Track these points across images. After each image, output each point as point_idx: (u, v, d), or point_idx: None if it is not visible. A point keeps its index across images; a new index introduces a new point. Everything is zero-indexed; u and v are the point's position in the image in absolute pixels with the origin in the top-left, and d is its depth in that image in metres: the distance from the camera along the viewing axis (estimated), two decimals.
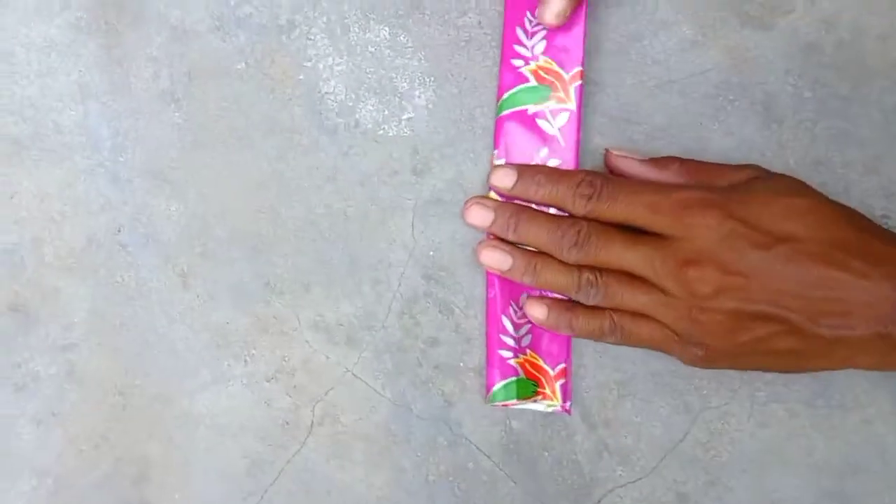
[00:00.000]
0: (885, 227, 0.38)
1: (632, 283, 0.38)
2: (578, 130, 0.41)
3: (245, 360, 0.43)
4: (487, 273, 0.42)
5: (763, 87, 0.42)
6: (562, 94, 0.41)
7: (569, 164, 0.41)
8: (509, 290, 0.42)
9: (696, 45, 0.42)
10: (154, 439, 0.43)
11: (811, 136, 0.42)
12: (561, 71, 0.41)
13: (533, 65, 0.41)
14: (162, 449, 0.43)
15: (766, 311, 0.36)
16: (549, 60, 0.41)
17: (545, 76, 0.41)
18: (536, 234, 0.40)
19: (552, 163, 0.41)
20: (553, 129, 0.41)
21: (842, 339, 0.36)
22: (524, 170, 0.40)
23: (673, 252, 0.37)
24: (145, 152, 0.42)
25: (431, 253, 0.43)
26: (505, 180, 0.40)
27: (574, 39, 0.41)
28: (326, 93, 0.42)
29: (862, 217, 0.38)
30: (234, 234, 0.43)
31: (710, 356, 0.37)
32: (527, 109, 0.41)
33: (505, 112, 0.41)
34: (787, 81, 0.42)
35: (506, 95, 0.41)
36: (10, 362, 0.43)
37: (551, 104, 0.41)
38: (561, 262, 0.40)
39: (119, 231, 0.43)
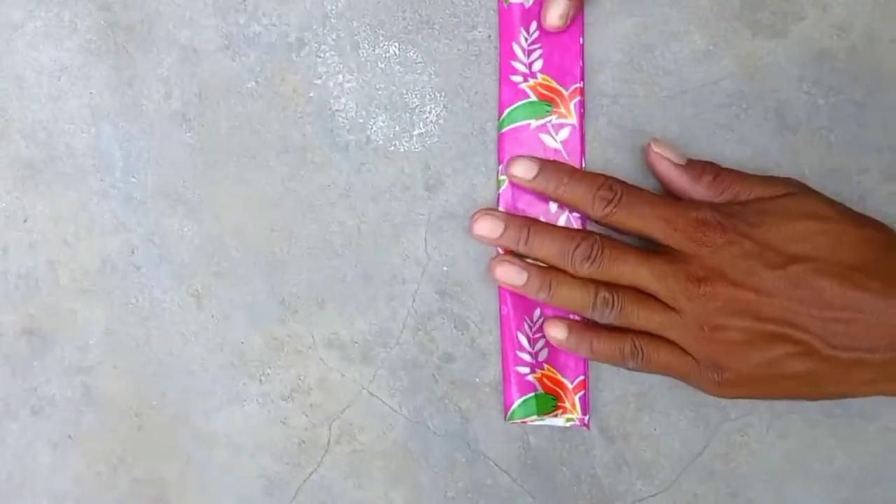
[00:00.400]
0: None
1: (647, 302, 0.38)
2: (581, 144, 0.41)
3: (260, 380, 0.43)
4: (500, 290, 0.42)
5: (776, 96, 0.41)
6: (563, 110, 0.41)
7: None
8: (523, 306, 0.42)
9: (708, 54, 0.41)
10: (171, 460, 0.43)
11: (826, 143, 0.41)
12: (560, 88, 0.41)
13: (532, 81, 0.41)
14: (179, 470, 0.43)
15: (779, 332, 0.36)
16: (548, 78, 0.41)
17: (545, 92, 0.41)
18: (549, 246, 0.39)
19: None
20: (556, 143, 0.41)
21: (860, 362, 0.35)
22: (547, 164, 0.40)
23: (685, 269, 0.37)
24: (158, 173, 0.42)
25: (445, 268, 0.42)
26: (527, 172, 0.39)
27: (571, 56, 0.41)
28: (337, 110, 0.42)
29: (885, 236, 0.37)
30: (248, 253, 0.42)
31: (728, 380, 0.37)
32: (529, 125, 0.41)
33: (507, 128, 0.41)
34: (800, 89, 0.41)
35: (507, 112, 0.41)
36: (26, 386, 0.43)
37: (553, 119, 0.41)
38: (576, 279, 0.39)
39: (133, 252, 0.43)
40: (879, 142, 0.41)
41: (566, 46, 0.41)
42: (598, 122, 0.42)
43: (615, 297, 0.38)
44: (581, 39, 0.41)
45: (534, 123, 0.41)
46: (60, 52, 0.42)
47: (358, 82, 0.42)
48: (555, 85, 0.41)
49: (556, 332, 0.40)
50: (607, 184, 0.39)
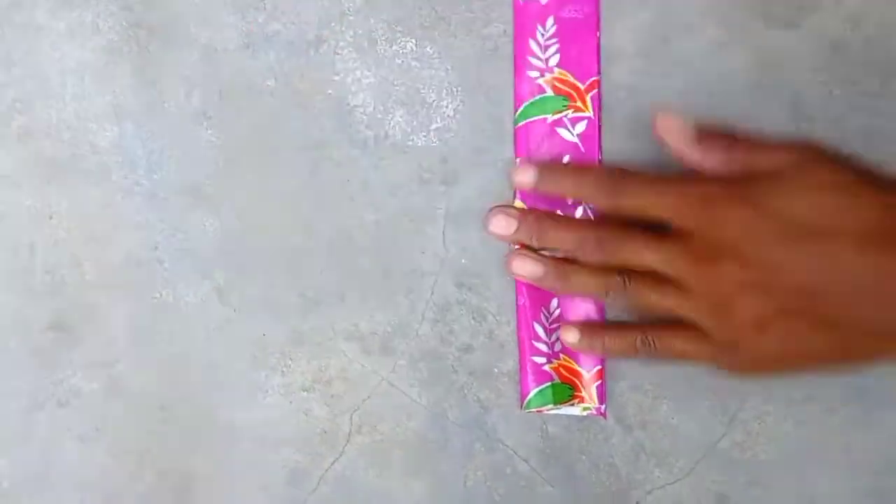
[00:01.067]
0: None
1: (661, 285, 0.38)
2: (599, 137, 0.41)
3: (282, 372, 0.43)
4: (517, 281, 0.42)
5: (792, 87, 0.42)
6: (579, 104, 0.41)
7: None
8: (540, 297, 0.42)
9: (722, 46, 0.42)
10: (195, 452, 0.44)
11: (841, 133, 0.42)
12: (577, 82, 0.41)
13: (548, 76, 0.41)
14: (203, 461, 0.44)
15: (795, 306, 0.35)
16: (565, 72, 0.41)
17: (561, 87, 0.41)
18: (561, 238, 0.40)
19: None
20: (573, 137, 0.41)
21: (883, 331, 0.35)
22: (546, 165, 0.41)
23: (695, 248, 0.36)
24: (180, 170, 0.43)
25: (463, 261, 0.43)
26: (528, 177, 0.40)
27: (588, 50, 0.41)
28: (355, 106, 0.43)
29: None
30: (269, 247, 0.43)
31: (747, 359, 0.37)
32: (545, 119, 0.41)
33: (523, 122, 0.42)
34: (815, 80, 0.42)
35: (523, 106, 0.42)
36: (52, 379, 0.44)
37: (569, 113, 0.41)
38: (590, 267, 0.40)
39: (156, 248, 0.43)
40: (895, 131, 0.41)
41: (583, 40, 0.41)
42: (613, 115, 0.42)
43: (627, 282, 0.38)
44: (598, 33, 0.41)
45: (550, 118, 0.41)
46: (84, 53, 0.43)
47: (375, 78, 0.42)
48: (571, 79, 0.41)
49: (570, 336, 0.41)
50: (609, 169, 0.39)
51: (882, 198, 0.35)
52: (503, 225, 0.41)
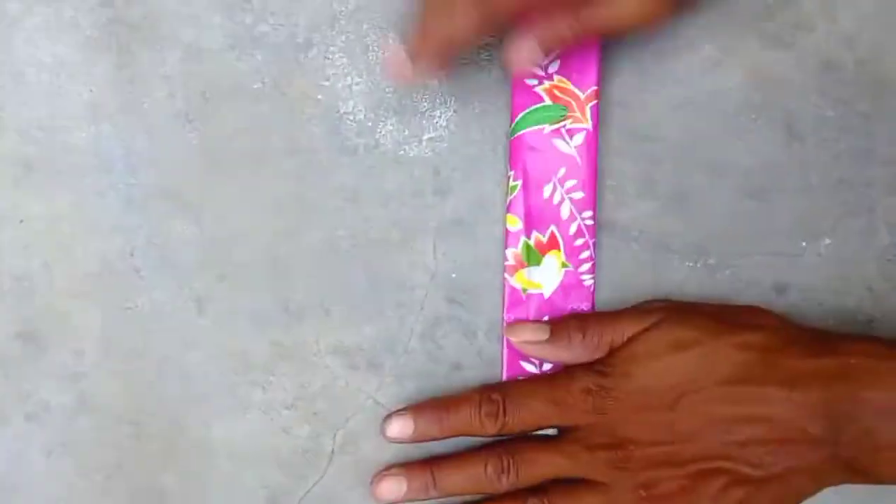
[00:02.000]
0: None
1: (575, 492, 0.37)
2: (596, 149, 0.41)
3: (263, 388, 0.42)
4: (504, 297, 0.41)
5: (784, 106, 0.42)
6: (578, 114, 0.41)
7: (587, 184, 0.41)
8: (528, 314, 0.41)
9: (717, 64, 0.41)
10: (169, 470, 0.42)
11: (833, 154, 0.42)
12: (576, 90, 0.41)
13: (547, 84, 0.41)
14: (177, 479, 0.42)
15: (706, 468, 0.35)
16: (564, 80, 0.41)
17: (560, 95, 0.41)
18: (458, 477, 0.38)
19: (569, 184, 0.41)
20: (570, 149, 0.41)
21: (790, 469, 0.35)
22: (420, 410, 0.39)
23: (595, 441, 0.37)
24: (159, 174, 0.41)
25: (454, 275, 0.42)
26: (405, 429, 0.39)
27: (588, 59, 0.40)
28: (345, 112, 0.41)
29: (762, 336, 0.36)
30: (252, 257, 0.42)
31: None
32: (543, 129, 0.41)
33: (520, 132, 0.41)
34: (808, 100, 0.42)
35: (520, 116, 0.41)
36: (19, 391, 0.42)
37: (567, 123, 0.41)
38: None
39: (132, 255, 0.41)
40: (886, 153, 0.42)
41: (584, 48, 0.40)
42: (608, 131, 0.42)
43: (545, 500, 0.37)
44: (598, 42, 0.41)
45: (548, 128, 0.41)
46: (60, 48, 0.41)
47: (367, 85, 0.41)
48: (571, 87, 0.40)
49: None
50: (486, 396, 0.38)
51: (732, 344, 0.36)
52: (393, 489, 0.39)
